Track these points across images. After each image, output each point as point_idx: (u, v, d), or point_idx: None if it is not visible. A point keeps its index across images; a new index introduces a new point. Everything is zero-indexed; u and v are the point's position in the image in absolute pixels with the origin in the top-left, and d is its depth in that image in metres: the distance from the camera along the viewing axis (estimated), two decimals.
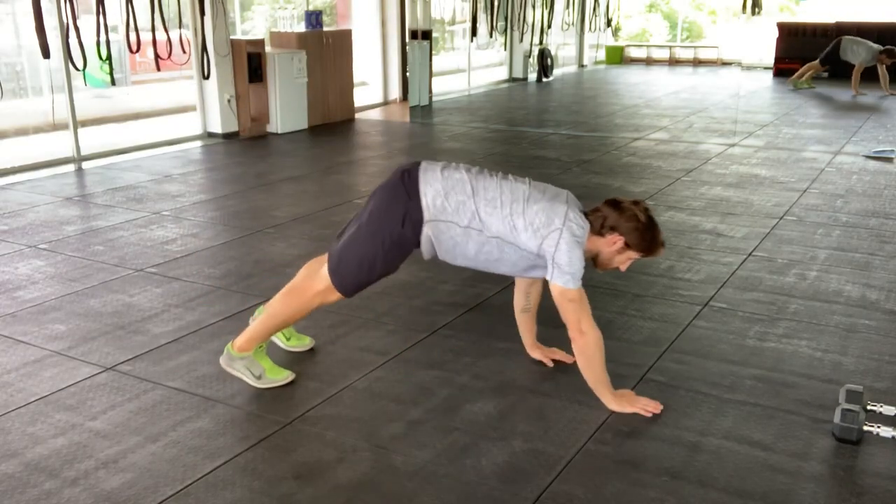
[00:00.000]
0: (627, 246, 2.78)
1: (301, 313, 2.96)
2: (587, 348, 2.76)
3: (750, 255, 4.50)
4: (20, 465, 2.48)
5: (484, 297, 3.85)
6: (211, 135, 8.33)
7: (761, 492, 2.36)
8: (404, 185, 2.75)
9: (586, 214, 2.78)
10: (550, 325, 3.48)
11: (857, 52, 11.77)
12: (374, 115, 10.38)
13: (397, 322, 3.58)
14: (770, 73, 14.30)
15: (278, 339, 3.27)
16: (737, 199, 5.77)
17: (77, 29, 6.39)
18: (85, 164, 7.02)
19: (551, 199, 2.74)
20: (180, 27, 7.62)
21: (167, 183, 6.34)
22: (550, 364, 3.17)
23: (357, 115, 9.88)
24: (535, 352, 3.21)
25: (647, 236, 2.78)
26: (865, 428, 2.63)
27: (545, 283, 2.84)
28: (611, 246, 2.78)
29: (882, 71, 11.63)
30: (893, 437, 2.62)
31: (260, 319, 2.99)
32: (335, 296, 2.87)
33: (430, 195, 2.71)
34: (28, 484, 2.38)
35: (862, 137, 8.30)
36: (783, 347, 3.33)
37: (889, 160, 7.16)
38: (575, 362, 2.88)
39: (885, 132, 8.65)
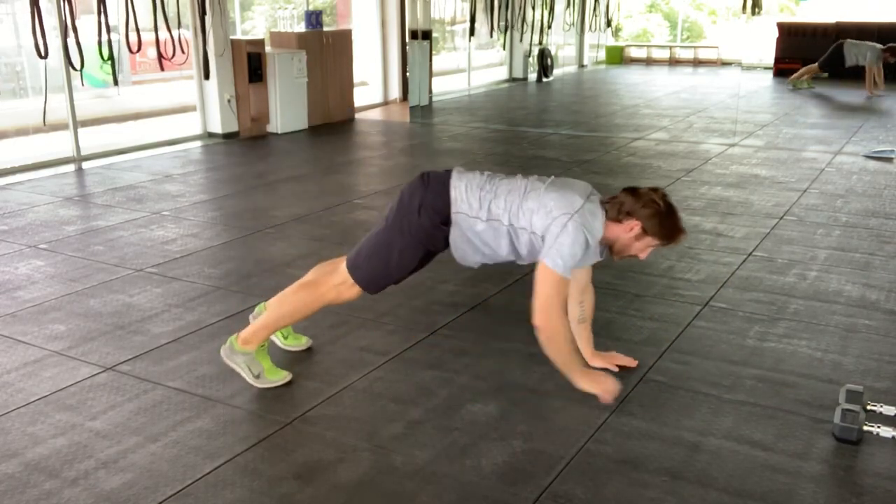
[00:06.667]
0: (645, 232, 2.76)
1: (312, 307, 2.97)
2: (555, 334, 2.74)
3: (750, 255, 4.50)
4: (20, 465, 2.48)
5: (484, 297, 3.85)
6: (211, 135, 8.33)
7: (761, 492, 2.36)
8: (422, 181, 2.84)
9: (603, 203, 2.80)
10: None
11: (864, 55, 11.77)
12: (374, 115, 10.38)
13: (397, 322, 3.58)
14: (770, 73, 14.31)
15: (276, 338, 3.26)
16: (737, 199, 5.77)
17: (75, 29, 6.39)
18: (85, 164, 7.02)
19: (570, 189, 2.77)
20: (179, 27, 7.62)
21: (167, 183, 6.34)
22: (616, 370, 3.06)
23: (357, 115, 9.88)
24: (596, 360, 3.10)
25: (666, 223, 2.76)
26: (865, 428, 2.63)
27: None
28: (628, 232, 2.77)
29: (879, 69, 11.66)
30: (893, 437, 2.62)
31: (268, 313, 2.99)
32: (351, 292, 2.89)
33: (456, 190, 2.79)
34: (28, 484, 2.38)
35: (862, 137, 8.30)
36: (783, 347, 3.32)
37: (889, 160, 7.16)
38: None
39: (885, 132, 8.65)
